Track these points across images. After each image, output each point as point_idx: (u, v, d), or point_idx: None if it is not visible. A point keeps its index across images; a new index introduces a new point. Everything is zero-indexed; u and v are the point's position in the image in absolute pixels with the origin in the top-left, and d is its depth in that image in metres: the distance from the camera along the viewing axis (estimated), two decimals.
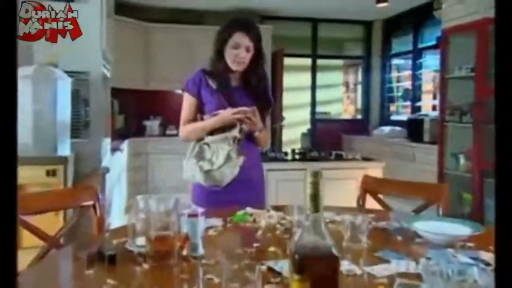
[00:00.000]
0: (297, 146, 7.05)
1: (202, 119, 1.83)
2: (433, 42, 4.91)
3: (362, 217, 1.38)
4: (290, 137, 6.95)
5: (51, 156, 1.91)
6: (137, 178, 4.99)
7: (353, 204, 2.62)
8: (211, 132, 1.78)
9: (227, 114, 1.74)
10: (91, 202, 1.66)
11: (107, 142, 2.78)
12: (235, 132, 1.74)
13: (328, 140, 6.43)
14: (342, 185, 2.73)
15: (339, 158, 2.94)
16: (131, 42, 5.28)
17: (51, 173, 1.93)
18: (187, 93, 1.85)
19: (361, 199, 2.01)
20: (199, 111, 1.86)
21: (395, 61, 6.45)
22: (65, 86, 2.10)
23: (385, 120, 6.31)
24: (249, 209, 1.56)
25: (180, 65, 5.11)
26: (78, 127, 2.32)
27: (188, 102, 1.85)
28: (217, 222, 1.42)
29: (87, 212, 1.66)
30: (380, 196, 2.00)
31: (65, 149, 2.07)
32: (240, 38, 1.79)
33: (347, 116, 7.27)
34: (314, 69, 6.44)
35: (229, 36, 1.80)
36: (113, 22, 4.57)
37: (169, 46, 5.36)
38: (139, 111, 5.57)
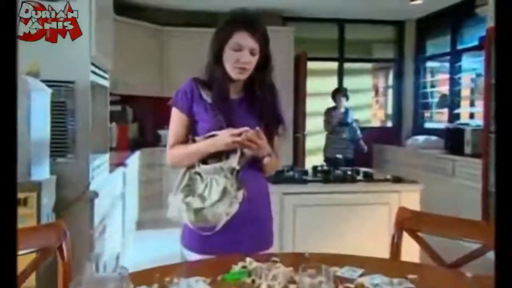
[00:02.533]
0: (322, 157, 6.70)
1: (194, 140, 1.46)
2: (475, 43, 4.39)
3: (399, 281, 0.99)
4: (315, 145, 6.54)
5: (22, 182, 1.60)
6: (151, 191, 4.70)
7: (384, 238, 2.21)
8: (205, 159, 1.41)
9: (224, 136, 1.37)
10: (56, 244, 1.34)
11: (103, 159, 2.47)
12: (233, 162, 1.37)
13: (356, 149, 5.98)
14: (372, 212, 2.32)
15: (368, 177, 2.52)
16: (145, 46, 5.04)
17: (22, 203, 1.63)
18: (176, 108, 1.49)
19: (396, 239, 1.61)
20: (191, 131, 1.49)
21: (429, 64, 5.93)
22: (42, 99, 1.80)
23: (418, 128, 5.79)
24: (249, 260, 1.20)
25: (197, 70, 4.78)
26: (64, 144, 2.01)
27: (177, 120, 1.49)
28: (198, 284, 1.05)
29: (49, 257, 1.34)
30: (421, 234, 1.60)
31: (42, 172, 1.77)
32: (243, 39, 1.43)
33: (376, 122, 6.77)
34: (341, 73, 6.00)
35: (229, 35, 1.44)
36: (115, 24, 4.27)
37: (185, 51, 5.06)
38: (154, 120, 5.31)
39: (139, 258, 3.47)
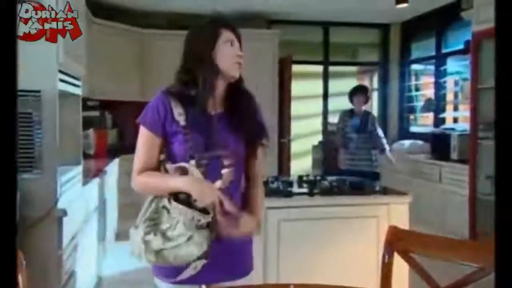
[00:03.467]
0: (308, 161, 6.63)
1: (165, 170, 1.29)
2: (460, 47, 4.36)
3: None
4: (300, 150, 6.45)
5: None
6: (131, 200, 4.53)
7: (373, 252, 2.11)
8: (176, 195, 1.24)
9: (199, 189, 1.21)
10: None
11: (76, 171, 2.31)
12: (209, 218, 1.20)
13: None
14: (360, 225, 2.22)
15: (355, 188, 2.42)
16: (125, 49, 4.87)
17: None
18: (146, 128, 1.30)
19: (387, 261, 1.50)
20: (164, 152, 1.32)
21: (413, 67, 5.89)
22: None
23: (404, 132, 5.75)
24: None
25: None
26: (30, 158, 1.85)
27: (146, 141, 1.30)
28: None
29: None
30: (414, 255, 1.50)
31: None
32: (230, 35, 1.32)
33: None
34: (326, 77, 5.93)
35: (218, 32, 1.30)
36: (93, 27, 4.16)
37: (167, 54, 4.88)
38: (134, 125, 5.09)
39: (117, 272, 3.31)
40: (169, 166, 1.28)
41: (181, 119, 1.28)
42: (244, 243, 1.39)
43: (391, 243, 1.52)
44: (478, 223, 3.55)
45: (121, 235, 4.21)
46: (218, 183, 1.32)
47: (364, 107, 4.22)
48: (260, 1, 4.79)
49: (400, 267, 1.55)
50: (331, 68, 6.00)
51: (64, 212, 1.85)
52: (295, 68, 5.45)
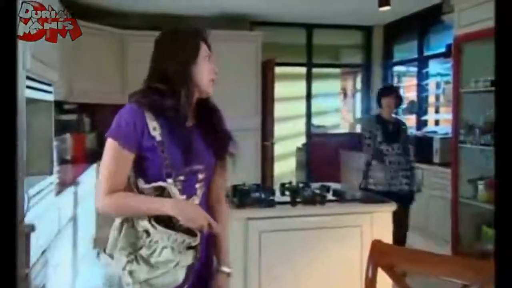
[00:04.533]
0: (292, 163, 6.59)
1: (138, 190, 1.20)
2: (442, 50, 4.37)
3: None
4: (284, 152, 6.41)
5: None
6: None
7: (356, 262, 2.07)
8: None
9: (187, 213, 1.14)
10: None
11: (47, 182, 2.21)
12: (195, 240, 1.14)
13: (325, 156, 5.89)
14: (343, 235, 2.18)
15: (338, 196, 2.38)
16: (105, 51, 4.73)
17: None
18: (117, 143, 1.18)
19: (371, 276, 1.46)
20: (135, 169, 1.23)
21: (396, 69, 5.91)
22: None
23: None
24: None
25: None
26: None
27: (117, 157, 1.18)
28: None
29: None
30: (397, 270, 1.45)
31: None
32: (207, 50, 1.29)
33: (345, 126, 6.71)
34: (309, 79, 5.89)
35: (198, 46, 1.26)
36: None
37: (147, 55, 4.77)
38: None
39: (94, 280, 3.20)
40: (145, 186, 1.19)
41: (157, 134, 1.20)
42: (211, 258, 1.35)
43: (374, 258, 1.47)
44: (460, 227, 3.55)
45: (99, 241, 4.10)
46: (195, 200, 1.26)
47: (394, 111, 3.49)
48: (243, 3, 4.72)
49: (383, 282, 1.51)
50: (315, 70, 5.98)
51: (32, 228, 1.75)
52: (279, 70, 5.41)
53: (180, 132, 1.22)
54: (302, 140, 6.14)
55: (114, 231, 1.17)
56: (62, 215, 2.46)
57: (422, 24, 4.98)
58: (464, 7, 3.44)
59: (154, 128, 1.20)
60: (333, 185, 2.66)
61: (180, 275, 1.12)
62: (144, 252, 1.12)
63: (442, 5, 4.29)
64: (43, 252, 2.00)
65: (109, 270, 1.15)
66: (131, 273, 1.10)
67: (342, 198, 2.34)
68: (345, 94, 7.13)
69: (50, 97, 2.24)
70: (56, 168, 3.39)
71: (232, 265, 2.04)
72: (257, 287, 2.04)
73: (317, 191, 2.42)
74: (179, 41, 1.28)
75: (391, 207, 2.25)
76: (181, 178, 1.22)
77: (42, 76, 2.03)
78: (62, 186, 2.68)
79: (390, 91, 3.48)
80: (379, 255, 1.47)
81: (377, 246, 1.49)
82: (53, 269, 2.19)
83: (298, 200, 2.26)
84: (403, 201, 3.09)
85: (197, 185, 1.27)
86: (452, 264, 1.41)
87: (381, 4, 3.82)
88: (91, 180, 3.88)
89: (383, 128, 3.33)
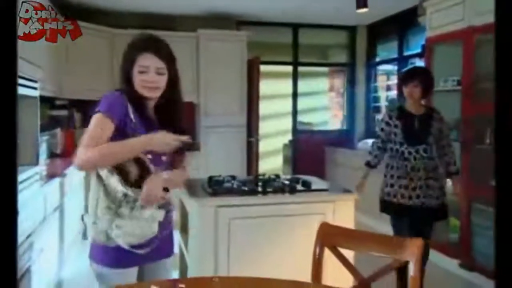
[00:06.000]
0: (279, 159, 6.76)
1: None
2: (419, 50, 4.55)
3: None
4: (271, 148, 6.59)
5: None
6: None
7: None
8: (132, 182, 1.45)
9: (165, 137, 1.44)
10: None
11: (32, 172, 2.37)
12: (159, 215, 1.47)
13: (310, 152, 6.07)
14: (307, 222, 2.34)
15: (307, 186, 2.55)
16: (95, 49, 4.88)
17: None
18: (106, 115, 1.42)
19: (318, 255, 1.63)
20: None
21: (384, 67, 6.08)
22: None
23: (370, 131, 5.95)
24: None
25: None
26: None
27: (103, 126, 1.41)
28: None
29: None
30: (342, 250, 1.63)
31: None
32: (148, 60, 1.47)
33: (336, 123, 6.87)
34: (295, 77, 6.07)
35: (134, 59, 1.48)
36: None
37: None
38: None
39: (83, 268, 3.36)
40: None
41: (133, 117, 1.47)
42: (170, 228, 1.61)
43: (321, 239, 1.65)
44: None
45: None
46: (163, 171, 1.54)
47: (424, 103, 2.69)
48: (229, 2, 4.88)
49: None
50: (304, 69, 6.14)
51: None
52: (265, 68, 5.58)
53: (143, 120, 1.51)
54: (289, 137, 6.32)
55: (94, 194, 1.43)
56: (48, 203, 2.62)
57: (401, 25, 5.17)
58: (435, 9, 3.62)
59: (132, 111, 1.48)
60: (304, 177, 2.83)
61: (155, 227, 1.43)
62: (124, 210, 1.40)
63: (418, 7, 4.47)
64: (28, 237, 2.17)
65: (97, 227, 1.41)
66: (118, 227, 1.38)
67: (309, 188, 2.51)
68: (337, 92, 7.30)
69: (35, 93, 2.40)
70: (46, 161, 3.56)
71: (203, 250, 2.23)
72: (226, 271, 2.20)
73: (287, 182, 2.60)
74: (124, 53, 1.53)
75: (353, 196, 2.43)
76: (149, 156, 1.50)
77: (24, 72, 2.19)
78: (50, 177, 2.84)
79: (411, 76, 2.64)
80: (325, 236, 1.64)
81: (323, 228, 1.67)
82: (38, 253, 2.36)
83: (268, 190, 2.43)
84: (435, 216, 2.65)
85: (163, 160, 1.56)
86: (385, 242, 1.59)
87: (358, 6, 4.00)
88: (79, 174, 4.05)
89: (406, 122, 2.61)
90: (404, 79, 2.70)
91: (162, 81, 1.49)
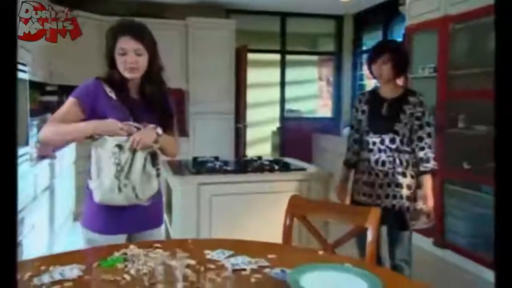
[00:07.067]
0: (268, 146, 6.91)
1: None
2: (401, 39, 4.68)
3: (256, 261, 1.14)
4: (261, 135, 6.72)
5: None
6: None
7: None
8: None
9: (112, 124, 1.54)
10: None
11: (23, 151, 2.48)
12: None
13: (298, 139, 6.22)
14: (283, 199, 2.49)
15: (285, 167, 2.70)
16: (87, 36, 4.92)
17: None
18: (77, 99, 1.57)
19: (288, 224, 1.78)
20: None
21: (365, 57, 6.21)
22: None
23: None
24: (131, 247, 1.31)
25: None
26: None
27: (71, 109, 1.56)
28: (72, 272, 1.15)
29: None
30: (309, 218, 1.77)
31: None
32: (126, 43, 1.59)
33: (326, 112, 7.00)
34: (283, 65, 6.18)
35: (114, 42, 1.60)
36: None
37: None
38: None
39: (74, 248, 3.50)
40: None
41: (113, 95, 1.59)
42: (159, 200, 1.72)
43: (291, 209, 1.79)
44: None
45: (78, 215, 4.39)
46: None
47: (396, 84, 2.20)
48: None
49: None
50: (292, 57, 6.25)
51: None
52: (254, 56, 5.68)
53: (125, 99, 1.62)
54: (277, 124, 6.45)
55: (95, 161, 1.54)
56: (38, 183, 2.74)
57: (386, 15, 5.29)
58: None
59: (110, 91, 1.59)
60: (286, 159, 2.98)
61: (155, 183, 1.58)
62: (126, 173, 1.52)
63: None
64: (19, 211, 2.29)
65: (101, 189, 1.51)
66: (125, 185, 1.51)
67: (287, 168, 2.65)
68: (327, 81, 7.42)
69: (25, 76, 2.50)
70: (36, 144, 3.67)
71: (187, 225, 2.37)
72: None
73: (267, 163, 2.74)
74: (106, 36, 1.64)
75: (326, 176, 2.58)
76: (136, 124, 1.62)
77: None
78: (40, 159, 2.96)
79: (379, 51, 2.15)
80: (294, 207, 1.79)
81: (293, 200, 1.82)
82: (30, 229, 2.48)
83: (248, 169, 2.57)
84: (395, 220, 2.13)
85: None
86: (347, 211, 1.74)
87: None
88: (72, 156, 4.16)
89: (371, 109, 2.19)
90: (372, 56, 2.17)
91: (142, 61, 1.60)
